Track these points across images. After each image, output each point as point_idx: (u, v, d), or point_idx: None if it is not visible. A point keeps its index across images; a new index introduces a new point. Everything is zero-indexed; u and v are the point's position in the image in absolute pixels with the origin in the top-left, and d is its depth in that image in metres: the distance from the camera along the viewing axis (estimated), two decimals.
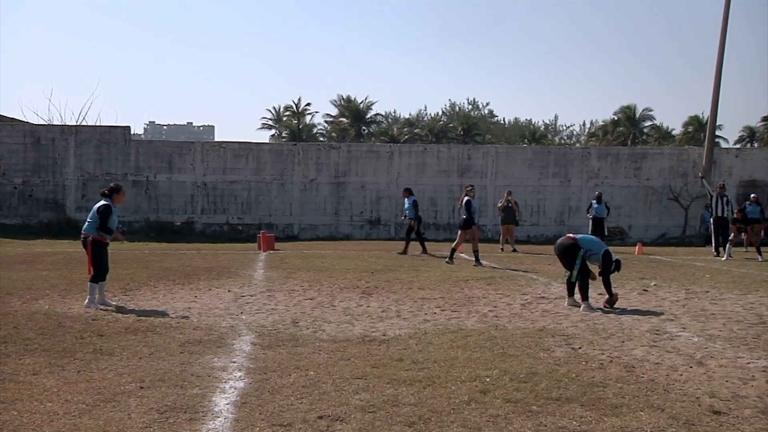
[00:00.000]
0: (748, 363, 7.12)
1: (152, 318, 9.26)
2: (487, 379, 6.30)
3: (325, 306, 10.44)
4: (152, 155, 27.65)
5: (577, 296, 10.59)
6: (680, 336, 8.47)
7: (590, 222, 22.82)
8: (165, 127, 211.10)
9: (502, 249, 21.81)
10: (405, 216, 20.37)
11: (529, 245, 24.59)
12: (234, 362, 6.88)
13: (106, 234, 10.39)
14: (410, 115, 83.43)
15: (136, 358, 7.03)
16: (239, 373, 6.44)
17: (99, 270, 10.19)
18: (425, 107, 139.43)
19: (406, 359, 7.05)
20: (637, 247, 21.80)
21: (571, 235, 10.92)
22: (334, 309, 10.20)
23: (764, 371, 6.78)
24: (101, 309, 9.85)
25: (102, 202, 10.50)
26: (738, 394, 5.96)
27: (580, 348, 7.75)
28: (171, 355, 7.15)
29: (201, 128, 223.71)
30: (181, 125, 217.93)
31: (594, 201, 22.99)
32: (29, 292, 11.25)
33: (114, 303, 10.27)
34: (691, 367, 6.90)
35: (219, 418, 5.17)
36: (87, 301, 10.07)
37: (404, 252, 19.42)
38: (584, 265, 10.55)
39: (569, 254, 10.63)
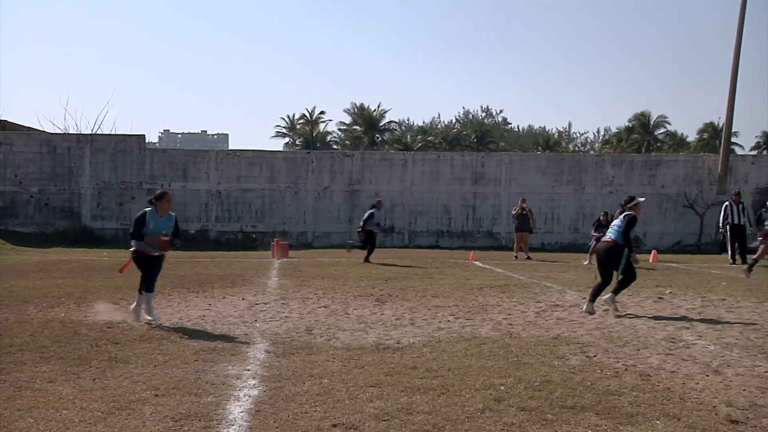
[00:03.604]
0: (766, 371, 7.06)
1: (167, 326, 9.29)
2: (502, 388, 6.27)
3: (338, 314, 10.44)
4: (167, 163, 27.79)
5: (605, 296, 10.75)
6: (696, 344, 8.41)
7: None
8: (179, 136, 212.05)
9: (516, 257, 21.75)
10: (378, 224, 21.30)
11: (543, 253, 24.51)
12: (248, 370, 6.89)
13: (138, 241, 9.57)
14: (424, 122, 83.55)
15: (150, 365, 7.05)
16: (253, 381, 6.44)
17: (144, 280, 9.58)
18: (438, 115, 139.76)
19: (420, 367, 7.03)
20: (652, 255, 21.68)
21: (608, 238, 10.97)
22: (348, 317, 10.20)
23: None
24: (145, 322, 9.40)
25: (144, 210, 9.75)
26: (755, 403, 5.90)
27: (595, 356, 7.72)
28: (185, 363, 7.16)
29: (215, 136, 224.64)
30: (195, 134, 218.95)
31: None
32: (45, 300, 11.31)
33: (157, 317, 9.58)
34: (707, 376, 6.85)
35: (233, 426, 5.17)
36: (145, 312, 9.54)
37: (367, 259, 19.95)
38: (629, 264, 10.69)
39: (613, 255, 10.72)
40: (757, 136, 73.89)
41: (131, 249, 9.71)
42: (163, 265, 10.10)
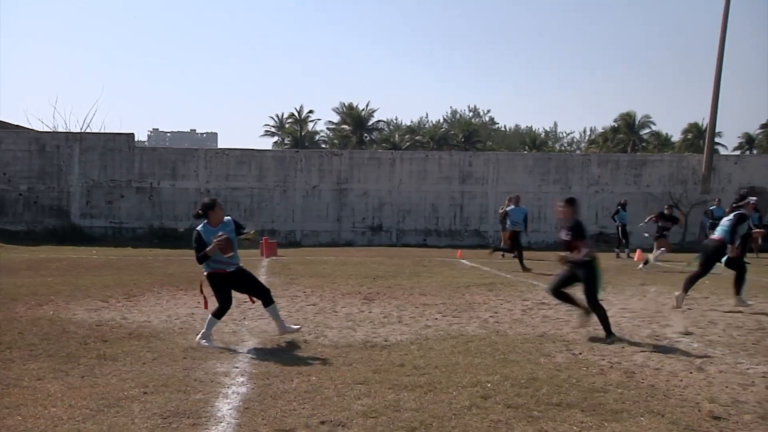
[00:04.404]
0: (748, 369, 7.10)
1: (155, 323, 9.26)
2: (488, 385, 6.28)
3: (327, 312, 10.43)
4: (156, 162, 27.70)
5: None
6: (680, 342, 8.45)
7: (618, 229, 23.19)
8: (168, 134, 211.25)
9: (503, 255, 21.76)
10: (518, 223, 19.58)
11: (530, 251, 24.50)
12: (236, 367, 6.87)
13: (207, 264, 8.34)
14: (412, 122, 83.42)
15: (139, 363, 7.02)
16: (242, 379, 6.43)
17: (219, 304, 8.28)
18: (426, 114, 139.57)
19: (408, 365, 7.03)
20: (636, 253, 21.77)
21: (717, 236, 11.38)
22: (336, 315, 10.19)
23: (764, 377, 6.76)
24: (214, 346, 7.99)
25: (196, 229, 8.35)
26: (738, 400, 5.94)
27: (580, 353, 7.74)
28: (174, 361, 7.14)
29: (204, 135, 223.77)
30: (184, 132, 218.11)
31: (620, 207, 23.21)
32: (34, 298, 11.25)
33: (291, 328, 8.53)
34: (690, 373, 6.89)
35: (222, 424, 5.16)
36: (200, 335, 8.12)
37: None
38: (738, 260, 11.33)
39: (721, 253, 11.22)
40: (739, 137, 74.35)
41: (204, 274, 8.49)
42: (251, 272, 8.72)
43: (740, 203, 11.49)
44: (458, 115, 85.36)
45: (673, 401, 5.88)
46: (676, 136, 74.76)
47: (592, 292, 8.62)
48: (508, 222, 18.56)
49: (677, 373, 6.86)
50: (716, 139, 44.10)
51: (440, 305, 11.21)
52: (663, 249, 19.17)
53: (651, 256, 18.58)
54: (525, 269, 17.00)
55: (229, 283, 8.33)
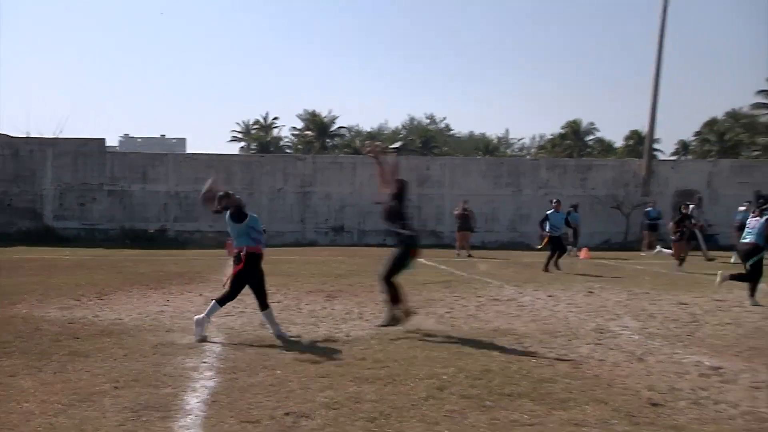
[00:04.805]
0: (683, 358, 7.25)
1: (126, 321, 9.14)
2: (444, 377, 6.31)
3: (291, 309, 10.39)
4: (127, 166, 27.36)
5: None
6: (622, 334, 8.58)
7: (571, 231, 22.39)
8: (139, 140, 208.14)
9: (458, 255, 21.88)
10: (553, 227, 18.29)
11: (484, 251, 24.68)
12: (205, 362, 6.81)
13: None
14: (372, 128, 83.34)
15: (110, 359, 6.92)
16: (210, 373, 6.38)
17: (230, 292, 8.17)
18: (386, 121, 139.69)
19: (368, 358, 7.03)
20: (582, 252, 22.05)
21: (749, 241, 11.54)
22: (300, 312, 10.15)
23: (697, 365, 6.91)
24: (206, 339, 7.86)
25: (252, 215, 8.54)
26: (674, 387, 6.06)
27: (530, 346, 7.82)
28: (144, 357, 7.05)
29: (174, 141, 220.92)
30: (154, 138, 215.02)
31: (572, 209, 22.47)
32: (8, 297, 11.00)
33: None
34: (631, 363, 7.00)
35: (190, 416, 5.11)
36: (200, 317, 7.98)
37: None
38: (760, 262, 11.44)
39: (753, 255, 11.40)
40: (675, 144, 75.62)
41: (244, 252, 8.14)
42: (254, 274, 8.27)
43: (766, 205, 11.44)
44: (416, 122, 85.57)
45: (615, 390, 5.97)
46: (619, 143, 75.84)
47: (393, 268, 8.70)
48: (547, 225, 17.49)
49: (619, 364, 6.97)
50: (655, 146, 44.87)
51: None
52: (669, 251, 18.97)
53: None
54: (557, 268, 16.63)
55: (255, 271, 8.20)
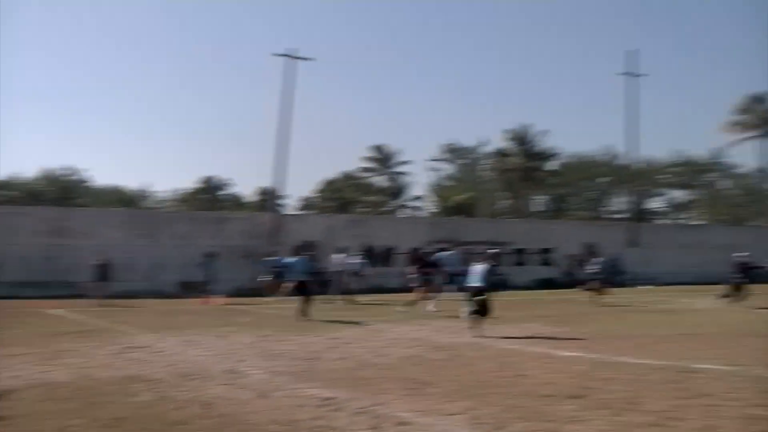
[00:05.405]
0: (302, 392, 7.61)
1: None
2: (76, 428, 5.84)
3: None
4: None
5: None
6: (251, 374, 8.74)
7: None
8: None
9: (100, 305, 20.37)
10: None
11: (122, 300, 23.40)
12: None
13: None
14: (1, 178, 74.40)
15: None
16: None
17: None
18: (19, 172, 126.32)
19: None
20: (219, 299, 21.97)
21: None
22: None
23: (312, 396, 7.29)
24: None
25: None
26: (294, 419, 6.34)
27: (164, 391, 7.59)
28: None
29: None
30: None
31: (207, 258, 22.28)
32: None
33: None
34: (258, 400, 7.16)
35: None
36: None
37: None
38: None
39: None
40: (301, 199, 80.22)
41: None
42: None
43: None
44: (54, 173, 78.59)
45: (243, 427, 6.06)
46: (252, 198, 78.01)
47: None
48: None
49: (247, 402, 7.08)
50: (283, 201, 47.29)
51: (28, 354, 10.11)
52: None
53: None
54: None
55: None
